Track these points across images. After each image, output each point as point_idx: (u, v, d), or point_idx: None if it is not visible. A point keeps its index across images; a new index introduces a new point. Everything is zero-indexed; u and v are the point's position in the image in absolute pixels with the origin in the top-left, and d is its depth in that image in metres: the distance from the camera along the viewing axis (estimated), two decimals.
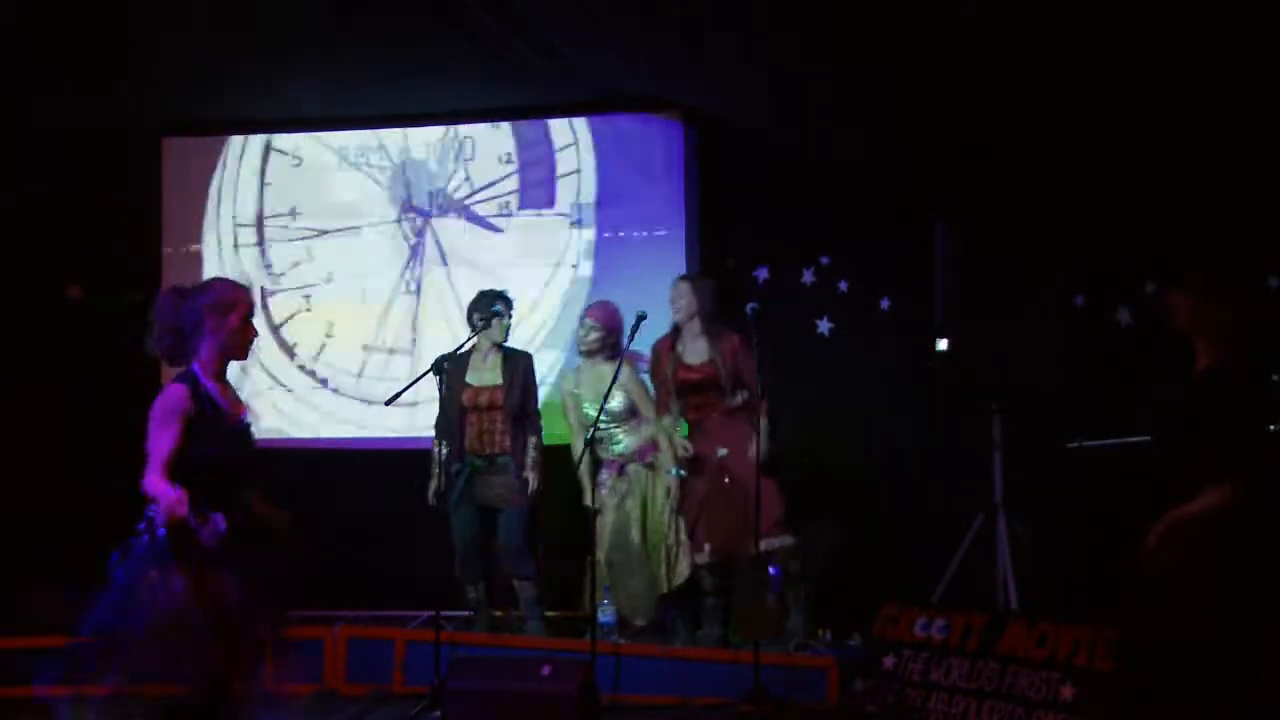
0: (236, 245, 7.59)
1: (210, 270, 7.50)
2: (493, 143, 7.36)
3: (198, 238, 7.61)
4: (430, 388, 5.91)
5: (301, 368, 7.47)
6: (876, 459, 6.80)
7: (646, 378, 6.33)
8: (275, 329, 7.48)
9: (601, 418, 6.00)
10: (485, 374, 6.20)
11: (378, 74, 6.75)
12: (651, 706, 5.55)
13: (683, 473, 6.16)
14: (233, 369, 3.92)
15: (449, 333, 6.94)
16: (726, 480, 6.07)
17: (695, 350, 6.18)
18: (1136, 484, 4.10)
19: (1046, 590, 6.00)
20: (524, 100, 7.17)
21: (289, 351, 7.48)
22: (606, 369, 6.18)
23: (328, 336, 7.45)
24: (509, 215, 7.33)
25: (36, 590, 6.43)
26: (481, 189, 7.36)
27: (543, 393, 6.53)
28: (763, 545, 5.86)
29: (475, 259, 7.30)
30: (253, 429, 3.98)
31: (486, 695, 5.03)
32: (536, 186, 7.30)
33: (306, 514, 6.95)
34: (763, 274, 7.09)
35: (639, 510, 6.18)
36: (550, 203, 7.28)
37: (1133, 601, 3.92)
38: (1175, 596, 3.70)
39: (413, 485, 6.27)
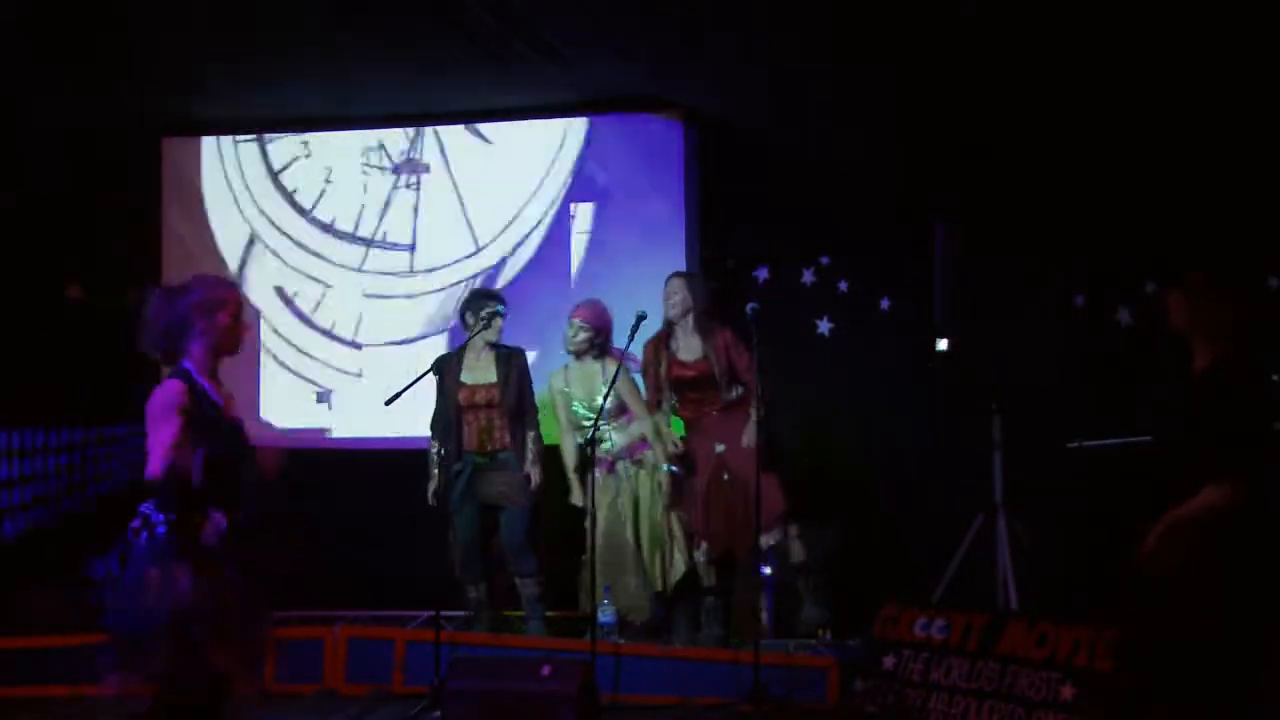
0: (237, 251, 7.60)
1: (210, 265, 7.51)
2: (492, 145, 7.35)
3: (198, 238, 7.61)
4: (429, 388, 5.91)
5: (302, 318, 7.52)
6: (876, 459, 6.80)
7: (638, 376, 6.32)
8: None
9: (591, 416, 6.07)
10: (480, 372, 6.20)
11: (378, 74, 6.75)
12: (651, 706, 5.55)
13: (675, 469, 6.17)
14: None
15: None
16: (726, 477, 6.07)
17: (689, 347, 6.18)
18: (1136, 484, 4.10)
19: (1046, 590, 6.00)
20: (524, 100, 7.17)
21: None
22: (596, 367, 6.20)
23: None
24: (508, 217, 7.33)
25: (36, 590, 6.44)
26: (480, 192, 7.37)
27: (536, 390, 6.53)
28: (765, 539, 5.88)
29: (475, 263, 7.30)
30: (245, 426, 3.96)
31: (486, 695, 5.02)
32: (536, 188, 7.30)
33: (306, 514, 7.05)
34: (763, 274, 7.10)
35: (630, 508, 6.17)
36: (550, 203, 7.28)
37: (1133, 601, 3.92)
38: (1175, 597, 3.71)
39: (413, 485, 6.27)
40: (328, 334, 7.50)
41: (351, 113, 7.39)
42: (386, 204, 7.45)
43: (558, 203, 7.23)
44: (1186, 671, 3.69)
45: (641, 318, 5.85)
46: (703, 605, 6.19)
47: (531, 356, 6.42)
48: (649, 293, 6.37)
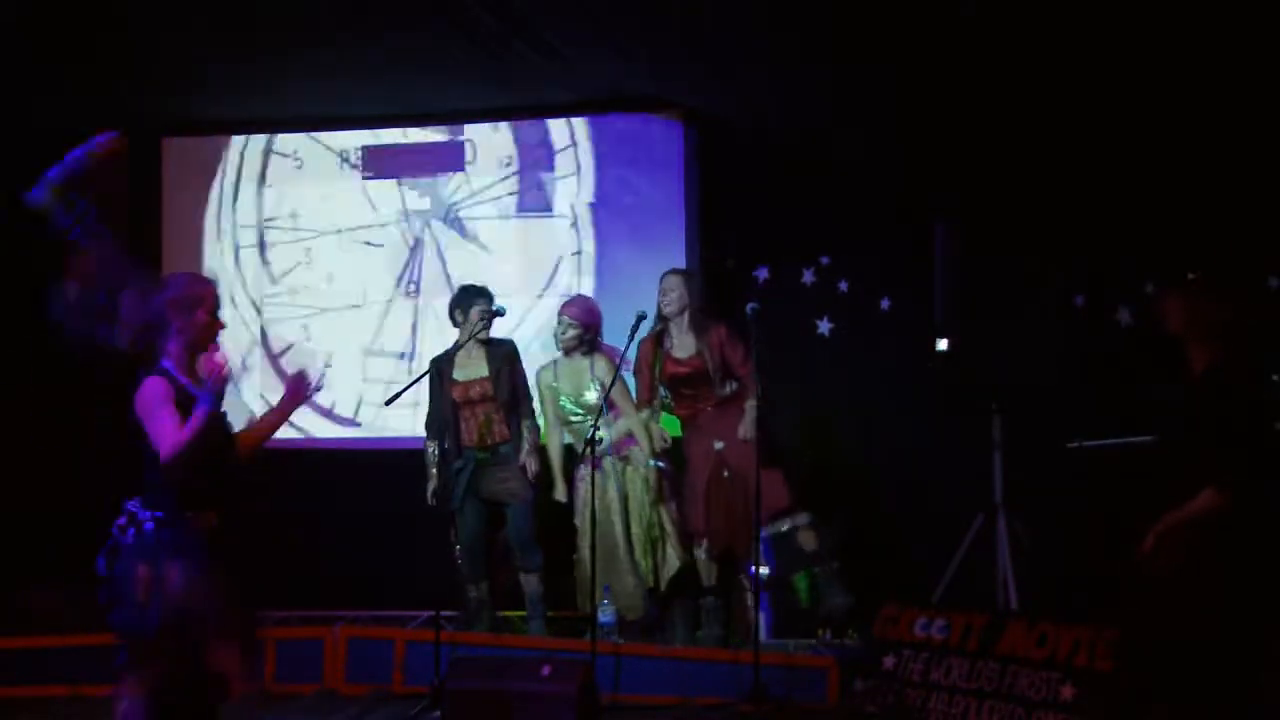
0: (237, 251, 7.59)
1: (210, 271, 7.51)
2: (492, 145, 7.36)
3: (198, 238, 7.61)
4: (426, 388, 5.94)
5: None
6: (876, 459, 6.80)
7: (628, 374, 6.32)
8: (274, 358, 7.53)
9: (579, 411, 6.15)
10: (471, 368, 6.21)
11: (378, 74, 6.74)
12: (651, 706, 5.55)
13: (662, 464, 6.17)
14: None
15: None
16: (725, 473, 6.07)
17: (683, 344, 6.18)
18: (1136, 484, 4.10)
19: (1046, 590, 6.00)
20: (524, 100, 7.17)
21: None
22: (584, 364, 6.23)
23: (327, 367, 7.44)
24: (508, 218, 7.33)
25: (36, 590, 6.44)
26: (480, 192, 7.37)
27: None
28: (771, 529, 5.88)
29: (475, 262, 7.30)
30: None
31: (486, 695, 5.02)
32: (536, 188, 7.30)
33: (307, 514, 7.05)
34: (763, 274, 7.10)
35: (619, 505, 6.16)
36: (549, 204, 7.28)
37: (1133, 601, 3.93)
38: (1174, 597, 3.71)
39: (413, 485, 6.27)
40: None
41: (351, 113, 7.38)
42: (386, 312, 7.45)
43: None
44: (1186, 671, 3.70)
45: (641, 317, 5.87)
46: (703, 605, 6.20)
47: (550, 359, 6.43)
48: (649, 292, 6.37)
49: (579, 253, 7.23)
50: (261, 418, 3.96)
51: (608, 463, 6.16)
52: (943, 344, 6.40)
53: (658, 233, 7.10)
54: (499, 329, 6.32)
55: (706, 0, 5.70)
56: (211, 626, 3.58)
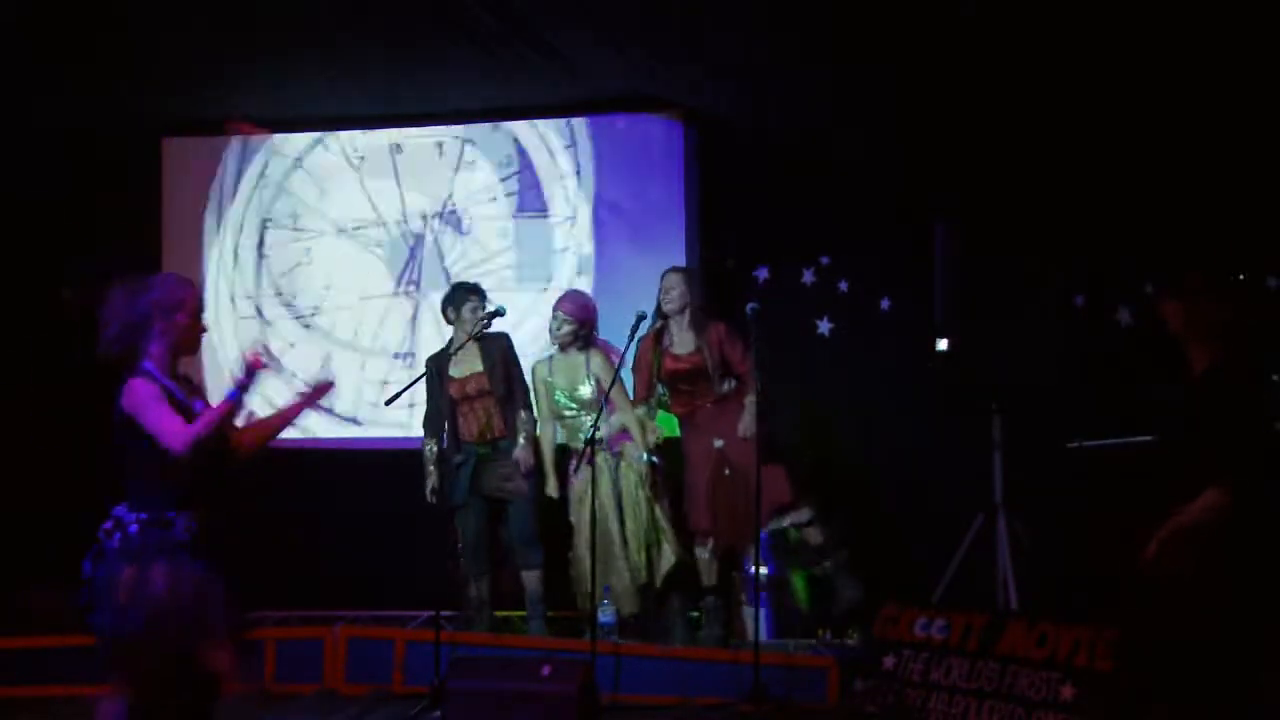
0: (237, 251, 7.59)
1: (210, 271, 7.51)
2: (492, 145, 7.36)
3: (198, 238, 7.61)
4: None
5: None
6: (876, 459, 6.80)
7: (626, 371, 6.32)
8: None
9: (573, 406, 6.18)
10: (466, 364, 6.22)
11: (378, 74, 6.75)
12: (651, 706, 5.55)
13: (655, 459, 6.18)
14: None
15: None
16: (727, 471, 6.08)
17: (683, 341, 6.19)
18: (1136, 484, 4.10)
19: (1046, 590, 6.00)
20: (524, 100, 7.17)
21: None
22: (580, 359, 6.26)
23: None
24: (508, 218, 7.33)
25: (36, 590, 6.44)
26: (480, 192, 7.36)
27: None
28: (774, 525, 5.89)
29: (475, 261, 7.30)
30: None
31: (486, 695, 5.02)
32: (535, 188, 7.30)
33: (307, 514, 7.05)
34: (763, 274, 7.10)
35: (613, 500, 6.15)
36: (549, 204, 7.28)
37: (1133, 601, 3.93)
38: (1175, 598, 3.71)
39: (413, 485, 6.28)
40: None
41: (351, 112, 7.38)
42: (386, 311, 7.45)
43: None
44: (1186, 671, 3.70)
45: (641, 317, 5.88)
46: (703, 605, 6.20)
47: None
48: (648, 292, 6.37)
49: (579, 253, 7.22)
50: (268, 417, 3.93)
51: (601, 458, 6.15)
52: (943, 344, 6.40)
53: (658, 233, 7.10)
54: (498, 328, 6.31)
55: (706, 0, 5.70)
56: (199, 627, 3.57)
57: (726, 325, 6.14)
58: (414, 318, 7.37)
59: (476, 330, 6.12)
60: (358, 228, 7.48)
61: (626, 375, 6.28)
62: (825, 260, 7.06)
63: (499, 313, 6.07)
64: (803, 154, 6.88)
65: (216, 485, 3.74)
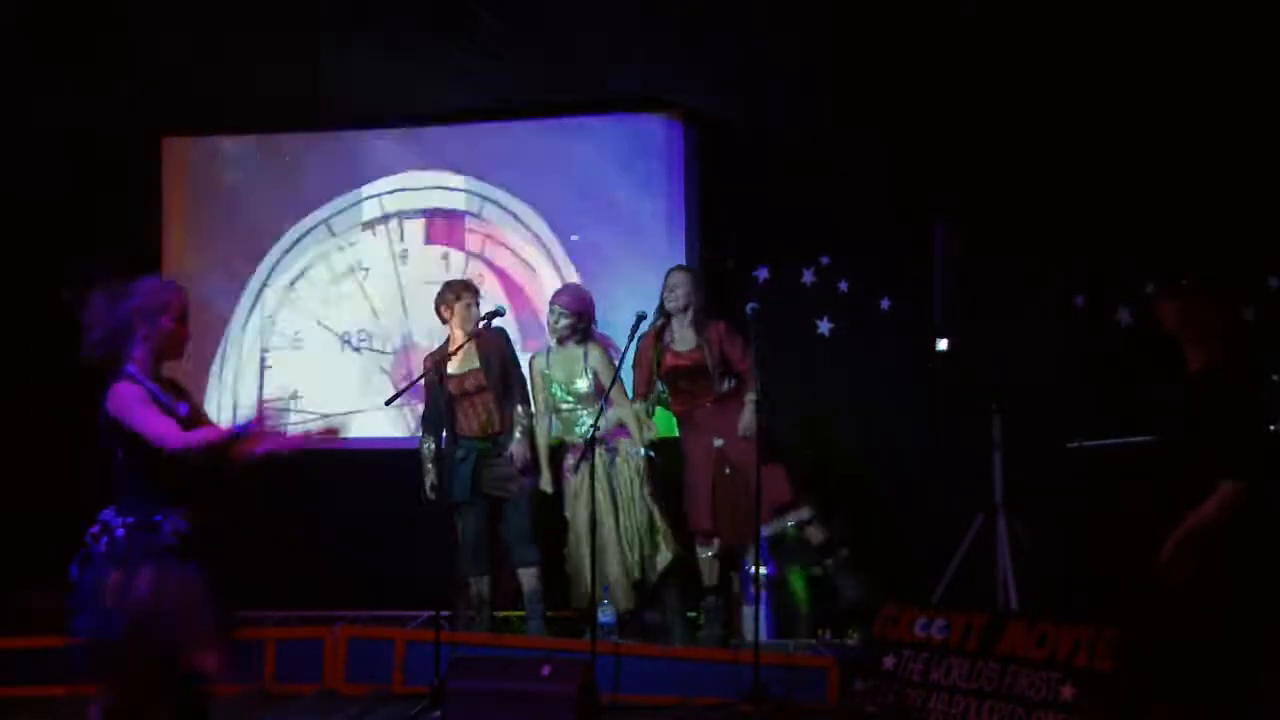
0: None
1: (210, 273, 7.53)
2: (492, 145, 7.36)
3: (198, 238, 7.61)
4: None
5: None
6: (876, 459, 6.80)
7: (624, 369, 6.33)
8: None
9: (569, 399, 6.20)
10: (463, 361, 6.23)
11: (378, 74, 6.74)
12: (651, 706, 5.55)
13: (652, 454, 6.17)
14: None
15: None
16: (727, 470, 6.08)
17: (684, 339, 6.19)
18: (1137, 484, 4.11)
19: (1046, 590, 5.99)
20: (524, 100, 7.17)
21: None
22: (578, 352, 6.26)
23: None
24: (508, 218, 7.33)
25: (36, 590, 6.43)
26: (480, 192, 7.37)
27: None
28: (775, 526, 5.89)
29: (475, 262, 7.30)
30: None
31: (486, 695, 5.02)
32: (535, 188, 7.29)
33: (307, 514, 7.04)
34: (763, 274, 7.09)
35: (608, 497, 6.14)
36: (549, 204, 7.28)
37: (1133, 601, 3.93)
38: (1176, 598, 3.71)
39: (413, 485, 6.28)
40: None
41: (352, 113, 7.38)
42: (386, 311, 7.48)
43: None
44: (1186, 671, 3.70)
45: (641, 317, 5.89)
46: (704, 605, 6.20)
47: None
48: (649, 292, 6.38)
49: (578, 253, 7.22)
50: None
51: (596, 454, 6.13)
52: (943, 344, 6.40)
53: (658, 232, 7.10)
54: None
55: (706, 0, 5.71)
56: (186, 630, 3.57)
57: (727, 323, 6.15)
58: (414, 317, 7.35)
59: (474, 328, 6.11)
60: (358, 228, 7.48)
61: (625, 373, 6.28)
62: (825, 260, 7.05)
63: (499, 312, 6.06)
64: (803, 154, 6.88)
65: (206, 487, 3.74)
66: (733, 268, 7.07)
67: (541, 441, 6.32)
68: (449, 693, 5.11)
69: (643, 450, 6.18)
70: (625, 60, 6.49)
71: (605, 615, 5.96)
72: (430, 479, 6.21)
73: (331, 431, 3.85)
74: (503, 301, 6.66)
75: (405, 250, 7.44)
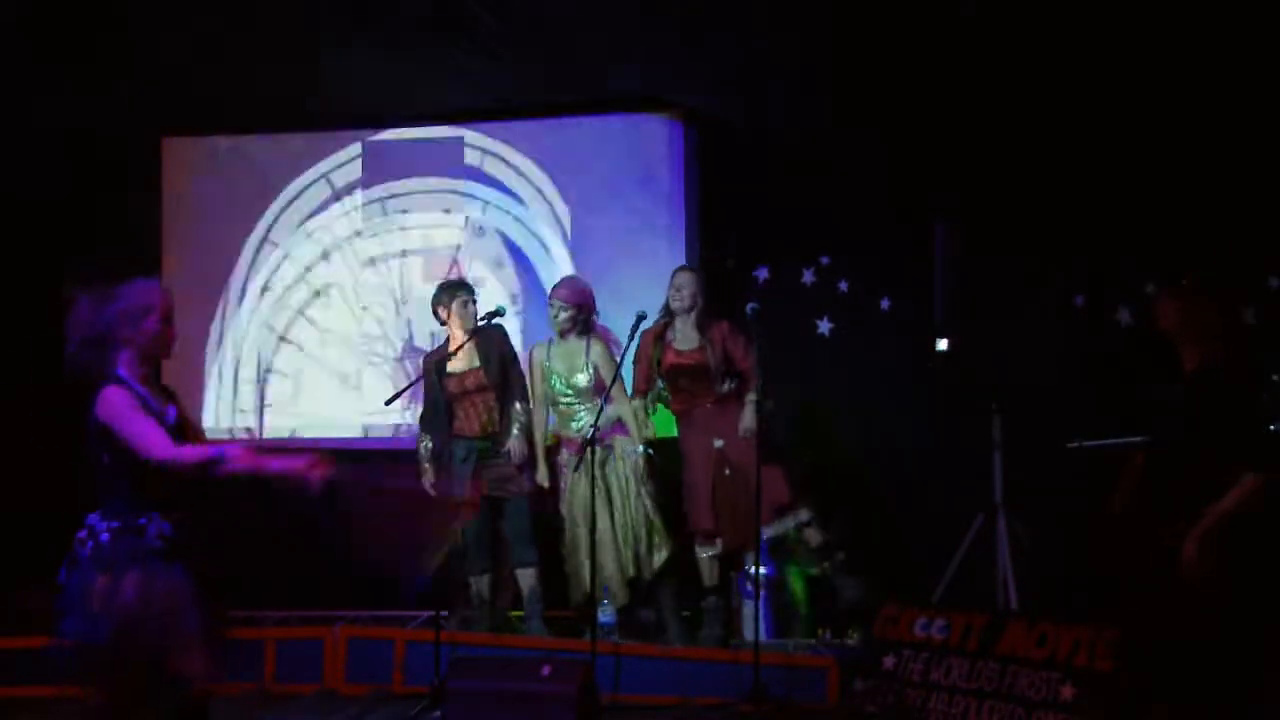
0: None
1: (211, 276, 7.53)
2: (492, 145, 7.36)
3: (198, 238, 7.61)
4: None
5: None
6: (876, 459, 6.80)
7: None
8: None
9: (568, 393, 6.19)
10: (463, 360, 6.22)
11: (378, 74, 6.74)
12: (651, 706, 5.55)
13: (650, 451, 6.17)
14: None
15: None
16: (727, 471, 6.08)
17: (686, 337, 6.19)
18: (1136, 484, 4.10)
19: (1046, 590, 6.00)
20: (524, 100, 7.17)
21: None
22: (580, 345, 6.25)
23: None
24: (508, 219, 7.33)
25: (36, 590, 6.43)
26: (480, 193, 7.37)
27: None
28: (775, 528, 5.89)
29: (475, 262, 7.30)
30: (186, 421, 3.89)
31: (486, 695, 5.02)
32: (535, 189, 7.29)
33: (307, 514, 7.03)
34: (763, 274, 7.10)
35: (602, 493, 6.13)
36: (549, 205, 7.28)
37: (1133, 601, 3.93)
38: (1175, 597, 3.71)
39: (412, 485, 6.26)
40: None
41: (351, 112, 7.38)
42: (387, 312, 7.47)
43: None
44: (1186, 671, 3.70)
45: (641, 317, 5.90)
46: (704, 605, 6.19)
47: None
48: (648, 293, 6.38)
49: (579, 252, 7.22)
50: (259, 456, 3.86)
51: (593, 451, 6.13)
52: (943, 344, 6.40)
53: (658, 233, 7.10)
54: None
55: (706, 0, 5.71)
56: (172, 634, 3.57)
57: (730, 323, 6.15)
58: (415, 319, 7.34)
59: (473, 325, 6.11)
60: (358, 232, 7.47)
61: (626, 371, 6.28)
62: (825, 260, 7.06)
63: (499, 312, 6.07)
64: (803, 154, 6.88)
65: (192, 491, 3.73)
66: (733, 268, 7.07)
67: (538, 434, 6.31)
68: (449, 693, 5.11)
69: (640, 448, 6.18)
70: (625, 60, 6.49)
71: (605, 615, 5.96)
72: (428, 477, 6.21)
73: (319, 469, 3.78)
74: (503, 301, 6.66)
75: (405, 250, 7.44)
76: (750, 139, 7.04)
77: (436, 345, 6.69)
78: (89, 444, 3.68)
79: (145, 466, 3.58)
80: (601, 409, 5.87)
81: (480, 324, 6.07)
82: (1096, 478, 5.98)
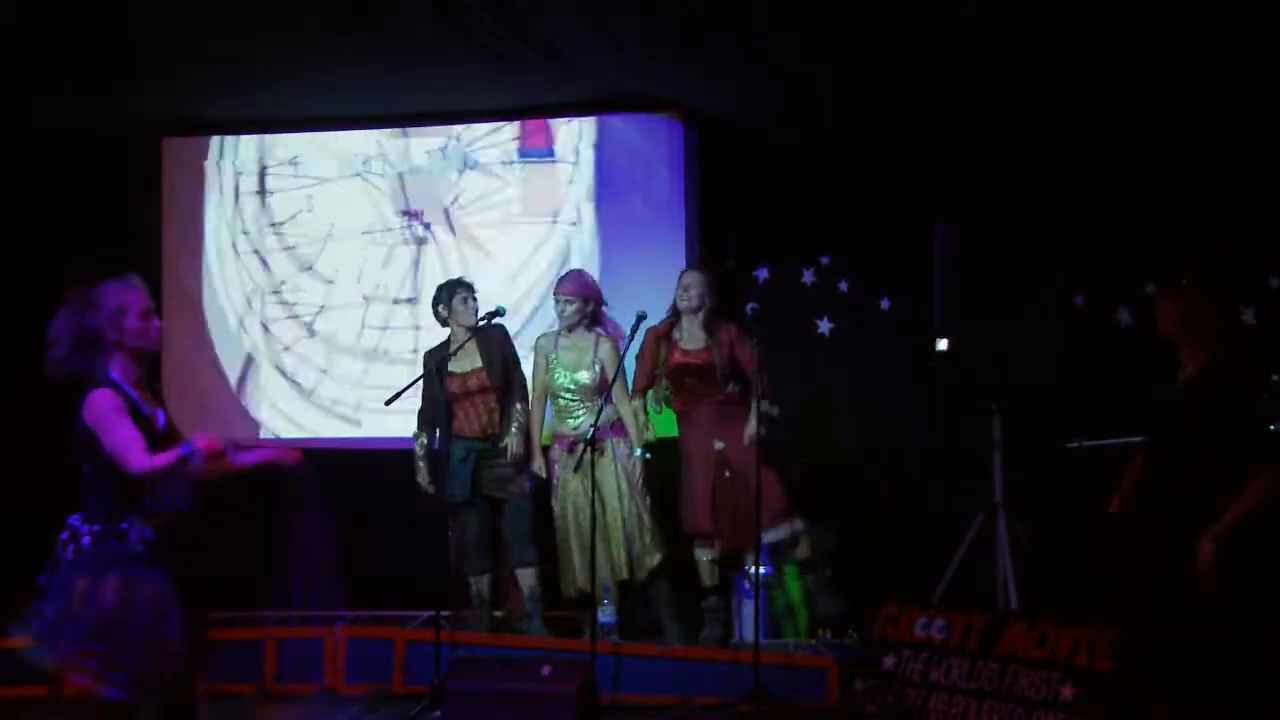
0: (237, 252, 7.59)
1: (210, 275, 7.53)
2: (492, 146, 7.35)
3: (198, 238, 7.61)
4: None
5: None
6: (876, 459, 6.80)
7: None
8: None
9: (570, 389, 6.19)
10: (465, 360, 6.22)
11: (378, 74, 6.74)
12: (651, 706, 5.55)
13: (648, 455, 6.18)
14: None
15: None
16: (727, 474, 6.08)
17: (693, 338, 6.19)
18: (1136, 484, 4.10)
19: (1046, 590, 6.00)
20: (524, 100, 7.17)
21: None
22: (588, 341, 6.24)
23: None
24: (508, 219, 7.33)
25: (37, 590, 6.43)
26: (480, 193, 7.36)
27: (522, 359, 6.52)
28: (772, 534, 5.88)
29: (476, 263, 7.30)
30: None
31: (486, 695, 5.03)
32: (535, 189, 7.29)
33: (306, 514, 7.00)
34: (763, 274, 7.10)
35: (598, 493, 6.11)
36: (549, 205, 7.28)
37: (1133, 601, 3.93)
38: (1176, 598, 3.71)
39: (413, 485, 6.27)
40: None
41: (351, 113, 7.38)
42: (388, 259, 7.45)
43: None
44: (1186, 671, 3.70)
45: (642, 317, 5.90)
46: (704, 606, 6.19)
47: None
48: (649, 293, 6.38)
49: (579, 253, 7.22)
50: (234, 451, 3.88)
51: (581, 448, 6.11)
52: (943, 344, 6.40)
53: (658, 233, 7.10)
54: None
55: (706, 0, 5.70)
56: (153, 637, 3.56)
57: (738, 326, 6.14)
58: (415, 320, 7.34)
59: (474, 322, 6.11)
60: (358, 231, 7.46)
61: (627, 372, 6.28)
62: (825, 260, 7.06)
63: (500, 312, 6.06)
64: (803, 154, 6.88)
65: (177, 495, 3.73)
66: (733, 268, 7.07)
67: (535, 427, 6.29)
68: (449, 693, 5.12)
69: (638, 451, 6.17)
70: (626, 60, 6.48)
71: (605, 615, 5.96)
72: (422, 475, 6.21)
73: (290, 459, 3.94)
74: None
75: (408, 249, 7.44)
76: (750, 139, 7.04)
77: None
78: (74, 446, 3.67)
79: (125, 474, 3.58)
80: (601, 409, 5.86)
81: (480, 323, 6.06)
82: (1096, 478, 5.98)
